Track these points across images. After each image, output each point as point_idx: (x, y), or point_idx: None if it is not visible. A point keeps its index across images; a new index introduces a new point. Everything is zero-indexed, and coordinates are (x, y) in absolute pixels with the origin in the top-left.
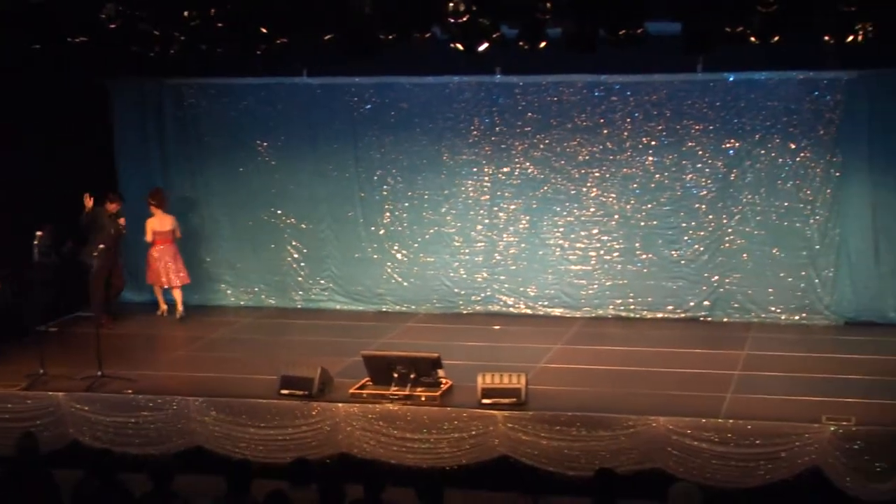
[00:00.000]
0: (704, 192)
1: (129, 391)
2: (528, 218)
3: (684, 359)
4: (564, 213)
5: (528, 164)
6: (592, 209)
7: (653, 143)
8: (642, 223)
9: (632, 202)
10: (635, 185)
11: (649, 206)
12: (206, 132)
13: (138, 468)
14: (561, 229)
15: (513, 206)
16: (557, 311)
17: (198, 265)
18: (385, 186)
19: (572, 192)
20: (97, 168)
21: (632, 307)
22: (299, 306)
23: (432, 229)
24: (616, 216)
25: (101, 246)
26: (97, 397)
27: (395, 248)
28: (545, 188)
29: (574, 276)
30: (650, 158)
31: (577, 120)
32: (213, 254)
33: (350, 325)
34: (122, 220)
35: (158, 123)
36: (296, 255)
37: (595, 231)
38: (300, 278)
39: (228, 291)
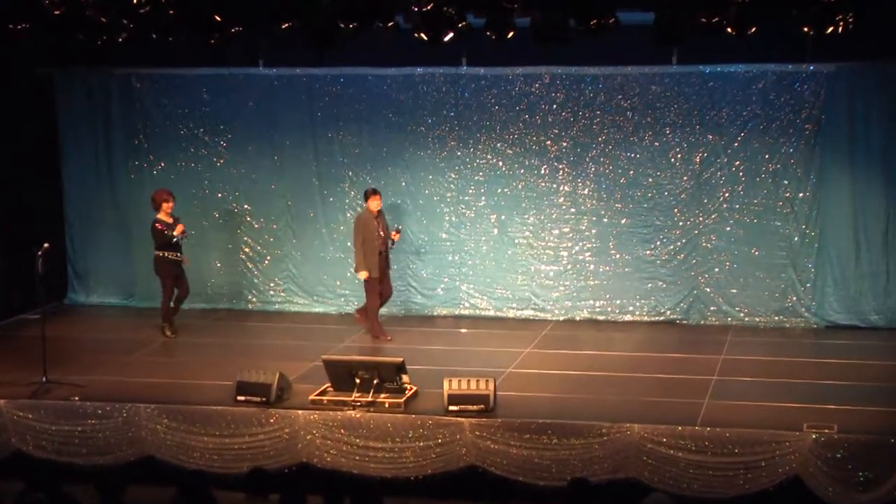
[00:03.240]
0: (680, 190)
1: (76, 398)
2: (496, 216)
3: (660, 363)
4: (534, 211)
5: (495, 159)
6: (563, 207)
7: (625, 138)
8: (615, 221)
9: (604, 199)
10: (608, 182)
11: (622, 203)
12: (156, 125)
13: (85, 479)
14: (530, 228)
15: (480, 204)
16: (527, 314)
17: (147, 265)
18: (346, 182)
19: (542, 188)
20: (39, 162)
21: (605, 309)
22: (255, 308)
23: (396, 226)
24: (588, 214)
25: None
26: (42, 404)
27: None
28: (514, 184)
29: (544, 277)
30: (623, 154)
31: (547, 114)
32: None
33: (310, 327)
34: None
35: (105, 116)
36: (251, 254)
37: (566, 229)
38: (256, 279)
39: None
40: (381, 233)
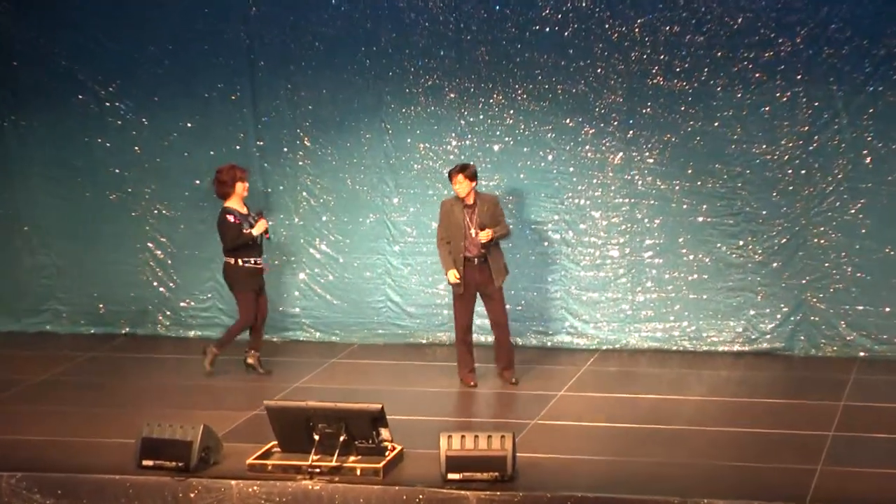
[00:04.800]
0: (781, 162)
1: None
2: (515, 199)
3: (752, 413)
4: (570, 193)
5: (513, 118)
6: (613, 186)
7: (701, 87)
8: (688, 207)
9: (672, 176)
10: (677, 150)
11: (698, 181)
12: (24, 70)
13: None
14: (565, 216)
15: (492, 182)
16: (560, 340)
17: (10, 274)
18: (300, 152)
19: (582, 159)
20: None
21: (671, 334)
22: (167, 333)
23: (371, 217)
24: (649, 197)
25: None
26: None
27: (315, 245)
28: (541, 154)
29: (586, 287)
30: (697, 110)
31: (588, 52)
32: (33, 256)
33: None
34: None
35: None
36: (161, 257)
37: (617, 219)
38: (168, 292)
39: (60, 309)
40: (473, 230)
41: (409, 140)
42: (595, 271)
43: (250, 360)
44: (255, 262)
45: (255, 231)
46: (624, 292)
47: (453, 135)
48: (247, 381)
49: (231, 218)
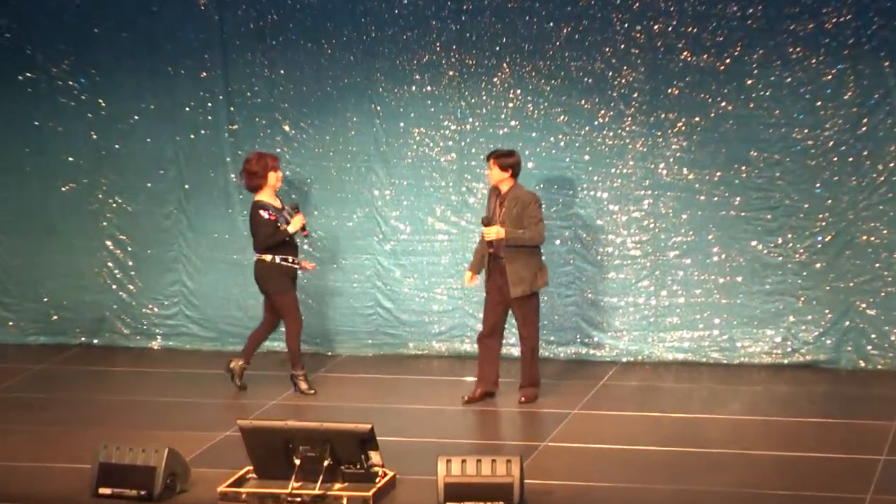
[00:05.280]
0: (824, 149)
1: None
2: None
3: (792, 434)
4: (585, 184)
5: (521, 99)
6: (634, 176)
7: (734, 63)
8: (719, 200)
9: (701, 165)
10: (706, 136)
11: (730, 171)
12: None
13: None
14: (581, 211)
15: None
16: (574, 352)
17: None
18: (276, 137)
19: (599, 146)
20: None
21: (700, 345)
22: (128, 344)
23: (359, 211)
24: (674, 188)
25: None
26: None
27: (295, 243)
28: (551, 140)
29: (602, 292)
30: (730, 89)
31: (607, 24)
32: None
33: (217, 375)
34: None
35: None
36: (121, 256)
37: (638, 214)
38: (128, 297)
39: (6, 315)
40: (497, 221)
41: (401, 124)
42: (614, 273)
43: (233, 365)
44: (293, 261)
45: (291, 228)
46: (647, 297)
47: (452, 118)
48: (218, 397)
49: (265, 214)
